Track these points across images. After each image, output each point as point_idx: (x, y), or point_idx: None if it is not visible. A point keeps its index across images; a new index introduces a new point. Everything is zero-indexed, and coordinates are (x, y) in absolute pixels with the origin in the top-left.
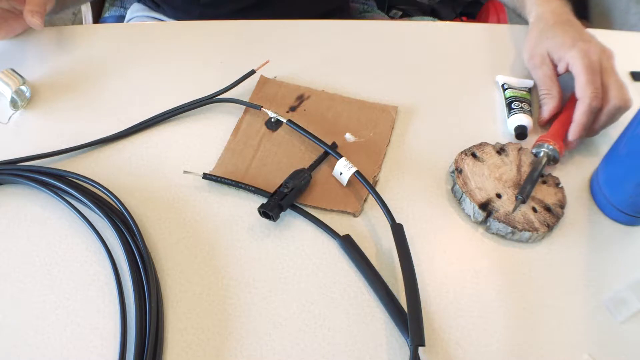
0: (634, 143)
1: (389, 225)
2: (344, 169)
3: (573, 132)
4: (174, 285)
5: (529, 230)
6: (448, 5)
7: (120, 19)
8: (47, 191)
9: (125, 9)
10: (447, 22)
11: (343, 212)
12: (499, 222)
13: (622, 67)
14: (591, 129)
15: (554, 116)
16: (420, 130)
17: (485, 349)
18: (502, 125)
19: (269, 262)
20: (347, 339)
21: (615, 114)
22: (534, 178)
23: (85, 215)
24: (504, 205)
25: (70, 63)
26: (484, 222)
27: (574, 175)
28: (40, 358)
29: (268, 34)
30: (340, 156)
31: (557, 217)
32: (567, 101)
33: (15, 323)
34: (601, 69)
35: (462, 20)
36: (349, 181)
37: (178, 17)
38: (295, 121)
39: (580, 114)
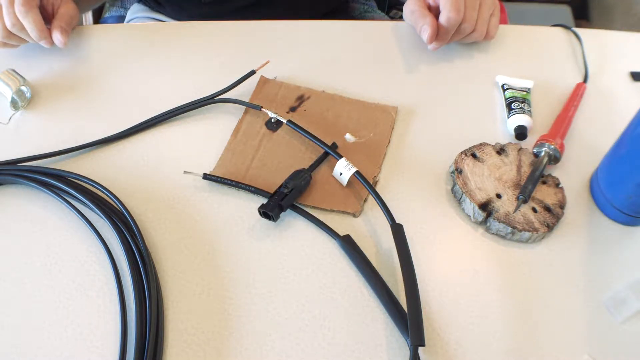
0: (633, 143)
1: (389, 225)
2: (344, 169)
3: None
4: (174, 285)
5: (528, 231)
6: None
7: (121, 19)
8: (47, 191)
9: (126, 9)
10: None
11: (343, 212)
12: (499, 222)
13: (622, 67)
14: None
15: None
16: (420, 130)
17: (485, 349)
18: (502, 126)
19: (269, 262)
20: (347, 339)
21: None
22: (536, 177)
23: (85, 215)
24: (504, 205)
25: (70, 63)
26: (484, 222)
27: (574, 175)
28: (41, 358)
29: (268, 34)
30: (340, 156)
31: (557, 218)
32: (565, 102)
33: (15, 323)
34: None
35: None
36: (349, 181)
37: (178, 16)
38: (295, 121)
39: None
